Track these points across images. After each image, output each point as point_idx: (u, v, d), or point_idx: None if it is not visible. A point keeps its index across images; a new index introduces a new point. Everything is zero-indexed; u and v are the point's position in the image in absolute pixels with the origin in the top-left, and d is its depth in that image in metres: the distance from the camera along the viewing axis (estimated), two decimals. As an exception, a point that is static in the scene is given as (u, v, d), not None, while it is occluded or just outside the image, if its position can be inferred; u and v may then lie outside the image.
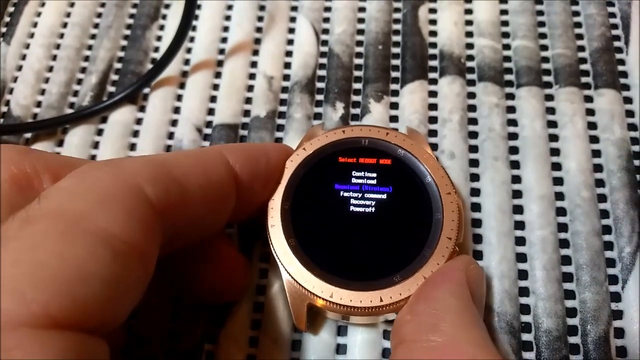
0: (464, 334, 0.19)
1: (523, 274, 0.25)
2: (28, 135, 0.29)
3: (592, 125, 0.28)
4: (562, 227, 0.26)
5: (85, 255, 0.15)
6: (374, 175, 0.24)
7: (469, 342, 0.18)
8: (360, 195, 0.24)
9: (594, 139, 0.28)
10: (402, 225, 0.23)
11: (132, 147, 0.29)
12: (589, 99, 0.29)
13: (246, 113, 0.30)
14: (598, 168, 0.27)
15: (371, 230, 0.23)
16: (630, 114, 0.29)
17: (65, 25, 0.33)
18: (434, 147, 0.28)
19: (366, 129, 0.25)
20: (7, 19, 0.33)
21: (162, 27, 0.32)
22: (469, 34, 0.31)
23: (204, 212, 0.20)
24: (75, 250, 0.15)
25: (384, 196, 0.24)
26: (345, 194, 0.24)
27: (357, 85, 0.30)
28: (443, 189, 0.24)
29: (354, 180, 0.24)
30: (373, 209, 0.24)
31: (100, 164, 0.18)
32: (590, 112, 0.29)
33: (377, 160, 0.25)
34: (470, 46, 0.31)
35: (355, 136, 0.25)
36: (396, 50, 0.31)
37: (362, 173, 0.24)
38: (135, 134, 0.29)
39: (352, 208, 0.24)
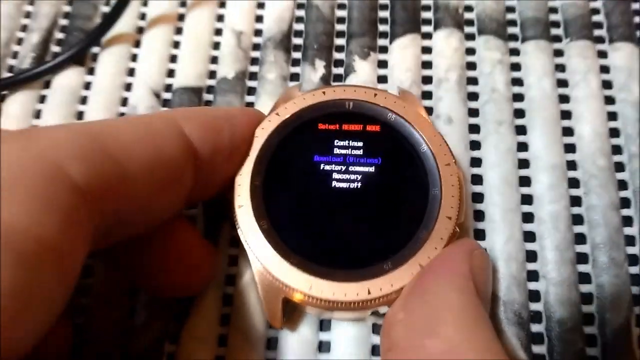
0: (465, 337, 0.16)
1: (532, 256, 0.23)
2: (-41, 103, 0.26)
3: (607, 84, 0.26)
4: (576, 201, 0.24)
5: None
6: (360, 144, 0.22)
7: (471, 347, 0.16)
8: (343, 168, 0.21)
9: (610, 100, 0.26)
10: (393, 203, 0.21)
11: (80, 115, 0.26)
12: (603, 54, 0.27)
13: (212, 74, 0.27)
14: (615, 133, 0.25)
15: (357, 210, 0.21)
16: (650, 70, 0.26)
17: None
18: (429, 110, 0.25)
19: (350, 90, 0.22)
20: None
21: (113, -24, 0.29)
22: (467, -18, 0.28)
23: (152, 194, 0.17)
24: None
25: (372, 169, 0.21)
26: (327, 167, 0.21)
27: (340, 41, 0.27)
28: (441, 160, 0.21)
29: (336, 151, 0.22)
30: (359, 185, 0.21)
31: (10, 135, 0.15)
32: (605, 69, 0.26)
33: (363, 127, 0.22)
34: (468, -5, 0.28)
35: (337, 98, 0.22)
36: (384, 0, 0.28)
37: (346, 142, 0.22)
38: (84, 100, 0.26)
39: (334, 184, 0.21)
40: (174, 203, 0.19)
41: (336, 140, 0.22)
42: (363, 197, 0.21)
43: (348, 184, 0.21)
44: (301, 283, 0.19)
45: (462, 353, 0.16)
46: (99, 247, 0.17)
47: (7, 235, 0.12)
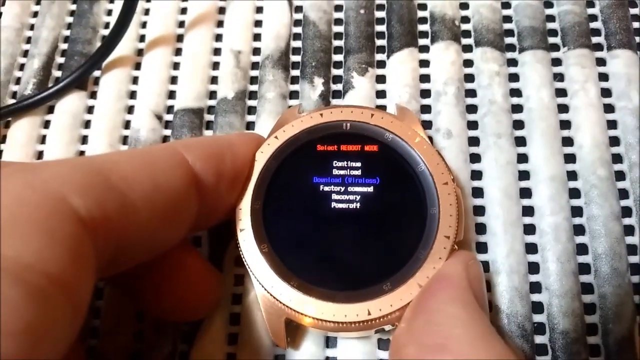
0: (477, 350, 0.16)
1: (534, 268, 0.23)
2: (-35, 131, 0.26)
3: (606, 92, 0.26)
4: (577, 212, 0.23)
5: None
6: (359, 164, 0.22)
7: (484, 357, 0.16)
8: (342, 189, 0.21)
9: (609, 108, 0.25)
10: (392, 223, 0.21)
11: (84, 139, 0.26)
12: (601, 61, 0.26)
13: (212, 95, 0.27)
14: (615, 141, 0.25)
15: (356, 230, 0.21)
16: (649, 77, 0.26)
17: (2, 2, 0.29)
18: (428, 124, 0.25)
19: (347, 111, 0.22)
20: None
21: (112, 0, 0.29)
22: (463, -8, 0.28)
23: (156, 224, 0.17)
24: None
25: (371, 189, 0.21)
26: (326, 189, 0.21)
27: (338, 57, 0.27)
28: (439, 179, 0.21)
29: (335, 172, 0.22)
30: (358, 205, 0.21)
31: (13, 169, 0.15)
32: (604, 77, 0.26)
33: (361, 147, 0.22)
34: (465, 6, 0.28)
35: (334, 120, 0.22)
36: (381, 14, 0.28)
37: (345, 163, 0.22)
38: (87, 124, 0.26)
39: (333, 204, 0.21)
40: (177, 231, 0.19)
41: (335, 161, 0.22)
42: (362, 217, 0.21)
43: (347, 204, 0.21)
44: (302, 305, 0.19)
45: None
46: (105, 275, 0.17)
47: (17, 271, 0.12)
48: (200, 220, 0.19)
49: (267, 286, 0.20)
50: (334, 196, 0.21)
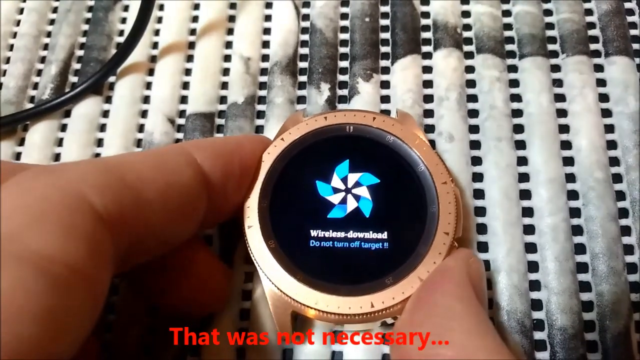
0: (475, 342, 0.17)
1: (533, 266, 0.23)
2: (-15, 134, 0.27)
3: (604, 98, 0.26)
4: (575, 213, 0.24)
5: (13, 287, 0.13)
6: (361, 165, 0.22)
7: (484, 350, 0.16)
8: (346, 188, 0.22)
9: (607, 113, 0.26)
10: (393, 220, 0.21)
11: (99, 142, 0.27)
12: (599, 68, 0.27)
13: (222, 100, 0.27)
14: (612, 145, 0.25)
15: (359, 227, 0.21)
16: (645, 83, 0.26)
17: (21, 10, 0.30)
18: (431, 128, 0.26)
19: (350, 114, 0.23)
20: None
21: (126, 8, 0.30)
22: (465, 0, 0.29)
23: (167, 221, 0.18)
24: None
25: (373, 189, 0.22)
26: (330, 188, 0.22)
27: (344, 64, 0.28)
28: (438, 178, 0.22)
29: (338, 172, 0.22)
30: (361, 204, 0.22)
31: (37, 171, 0.16)
32: (602, 82, 0.26)
33: (364, 149, 0.23)
34: (466, 14, 0.28)
35: (338, 123, 0.23)
36: (385, 22, 0.29)
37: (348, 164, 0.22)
38: (102, 127, 0.27)
39: (337, 203, 0.22)
40: (188, 228, 0.19)
41: (338, 162, 0.22)
42: (364, 215, 0.21)
43: (350, 203, 0.22)
44: (308, 298, 0.20)
45: (474, 356, 0.16)
46: (121, 270, 0.18)
47: (39, 262, 0.13)
48: (208, 217, 0.20)
49: (274, 280, 0.20)
50: (338, 195, 0.22)
